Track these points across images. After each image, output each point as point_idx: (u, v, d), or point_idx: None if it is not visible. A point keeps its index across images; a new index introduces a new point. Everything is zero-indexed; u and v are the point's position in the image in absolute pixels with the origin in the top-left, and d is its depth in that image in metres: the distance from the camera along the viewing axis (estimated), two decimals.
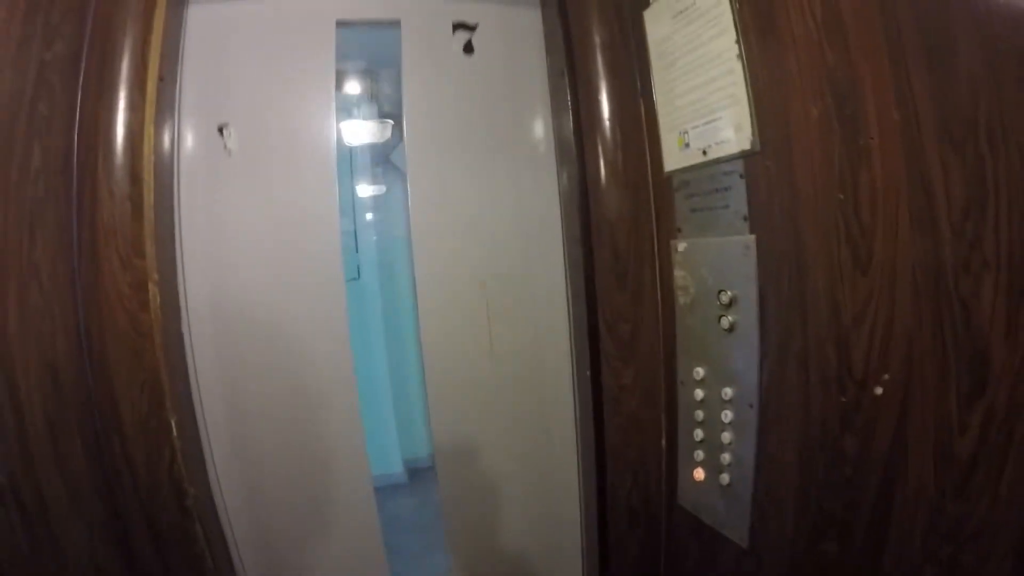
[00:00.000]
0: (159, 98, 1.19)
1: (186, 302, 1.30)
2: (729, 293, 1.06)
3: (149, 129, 1.15)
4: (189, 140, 1.31)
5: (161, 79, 1.19)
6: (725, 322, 1.07)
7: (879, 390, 0.85)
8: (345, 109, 1.33)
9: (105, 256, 1.12)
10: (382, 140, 1.37)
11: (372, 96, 1.43)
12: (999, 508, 0.73)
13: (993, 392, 0.72)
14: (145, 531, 1.19)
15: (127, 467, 1.16)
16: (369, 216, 1.78)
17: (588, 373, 1.39)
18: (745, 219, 1.03)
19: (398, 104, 1.43)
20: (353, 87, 1.32)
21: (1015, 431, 0.70)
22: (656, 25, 1.19)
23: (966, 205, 0.72)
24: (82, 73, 1.14)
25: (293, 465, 1.40)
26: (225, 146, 1.32)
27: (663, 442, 1.32)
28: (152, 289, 1.14)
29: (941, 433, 0.78)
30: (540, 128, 1.46)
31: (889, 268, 0.82)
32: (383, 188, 1.75)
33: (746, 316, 1.04)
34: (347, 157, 1.36)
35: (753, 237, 1.02)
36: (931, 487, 0.80)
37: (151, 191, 1.15)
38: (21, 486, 1.11)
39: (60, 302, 1.12)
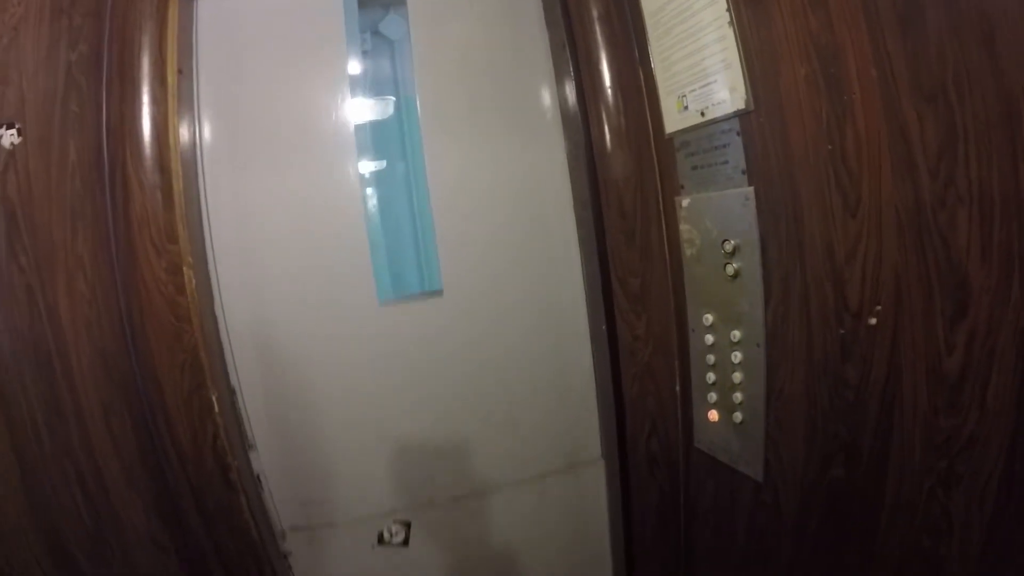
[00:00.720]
0: (179, 91, 1.31)
1: (218, 283, 1.43)
2: (732, 242, 1.21)
3: (173, 120, 1.28)
4: (209, 129, 1.42)
5: (179, 72, 1.32)
6: (730, 269, 1.22)
7: (873, 320, 0.99)
8: (351, 87, 1.45)
9: (140, 244, 1.25)
10: (384, 117, 1.49)
11: (373, 74, 1.54)
12: (987, 419, 0.85)
13: (974, 313, 0.84)
14: (193, 505, 1.34)
15: (172, 445, 1.31)
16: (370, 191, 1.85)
17: (603, 327, 1.55)
18: (743, 172, 1.17)
19: (395, 82, 1.55)
20: (356, 66, 1.43)
21: (996, 346, 0.82)
22: None
23: (939, 149, 0.85)
24: (105, 71, 1.27)
25: (328, 429, 1.54)
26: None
27: (677, 388, 1.48)
28: (187, 273, 1.28)
29: (931, 354, 0.91)
30: (546, 97, 1.60)
31: (875, 209, 0.95)
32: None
33: (749, 262, 1.19)
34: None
35: (752, 189, 1.16)
36: (925, 405, 0.93)
37: (179, 179, 1.29)
38: (83, 465, 1.25)
39: (104, 290, 1.27)
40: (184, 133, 1.35)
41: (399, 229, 1.48)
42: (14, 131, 1.19)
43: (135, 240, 1.25)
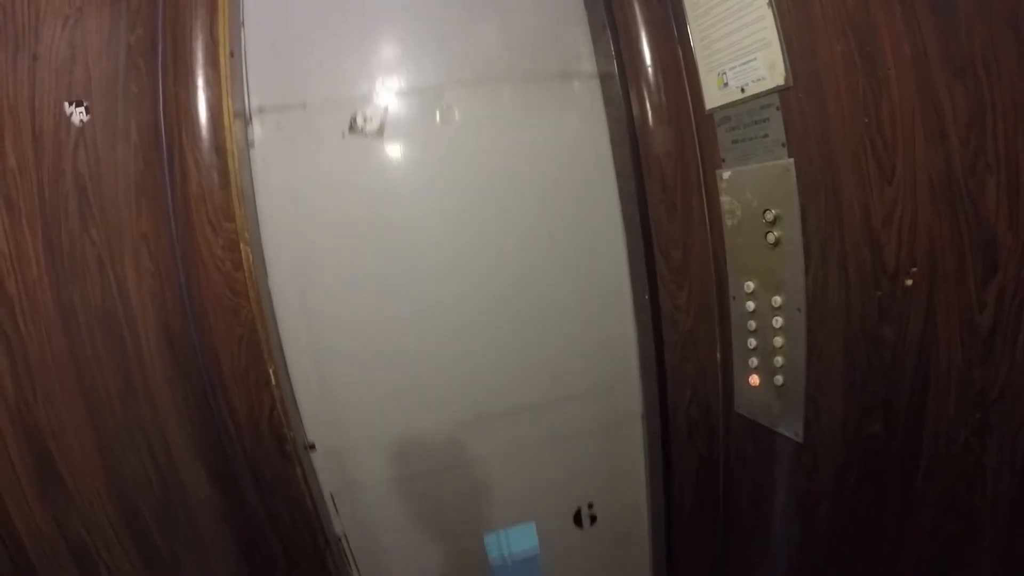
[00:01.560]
0: (231, 73, 1.44)
1: (272, 261, 1.56)
2: (773, 211, 1.36)
3: (227, 102, 1.42)
4: (259, 109, 1.54)
5: (232, 54, 1.46)
6: (771, 238, 1.37)
7: (909, 281, 1.13)
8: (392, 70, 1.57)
9: (197, 222, 1.39)
10: (420, 97, 1.61)
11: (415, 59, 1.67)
12: (1017, 370, 0.99)
13: (1003, 272, 0.98)
14: (250, 476, 1.49)
15: (231, 417, 1.45)
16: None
17: (646, 297, 1.69)
18: (783, 145, 1.32)
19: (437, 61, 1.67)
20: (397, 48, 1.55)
21: None
22: None
23: (969, 120, 0.98)
24: (160, 54, 1.40)
25: (378, 400, 1.68)
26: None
27: (718, 355, 1.64)
28: (244, 249, 1.42)
29: (964, 311, 1.05)
30: (587, 75, 1.73)
31: (910, 176, 1.09)
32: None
33: (790, 230, 1.34)
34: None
35: (792, 160, 1.31)
36: (959, 359, 1.07)
37: (234, 159, 1.42)
38: (152, 437, 1.39)
39: (166, 266, 1.41)
40: (237, 114, 1.47)
41: (445, 206, 1.60)
42: (83, 109, 1.32)
43: (193, 218, 1.39)
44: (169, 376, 1.42)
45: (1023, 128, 0.92)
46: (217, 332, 1.41)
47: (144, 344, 1.38)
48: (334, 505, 1.69)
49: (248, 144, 1.54)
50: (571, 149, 1.73)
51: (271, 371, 1.46)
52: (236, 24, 1.51)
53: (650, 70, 1.57)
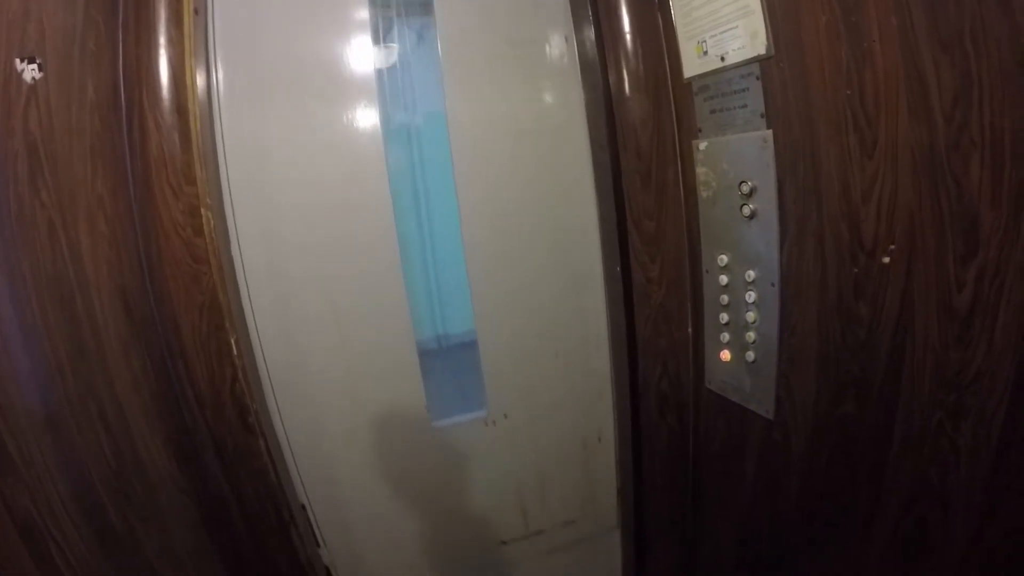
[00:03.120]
0: (195, 31, 1.36)
1: (236, 227, 1.49)
2: (750, 183, 1.32)
3: (189, 62, 1.35)
4: (224, 70, 1.47)
5: (196, 12, 1.37)
6: (746, 210, 1.33)
7: (887, 259, 1.09)
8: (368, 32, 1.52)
9: (157, 186, 1.33)
10: (387, 65, 1.55)
11: (385, 19, 1.60)
12: (994, 353, 0.96)
13: (984, 252, 0.95)
14: (212, 448, 1.43)
15: (191, 388, 1.40)
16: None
17: (618, 269, 1.65)
18: (762, 116, 1.28)
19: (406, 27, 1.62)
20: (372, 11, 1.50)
21: (1004, 284, 0.93)
22: None
23: (955, 95, 0.94)
24: (121, 10, 1.32)
25: (343, 373, 1.64)
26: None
27: (690, 329, 1.60)
28: (205, 214, 1.35)
29: (942, 291, 1.02)
30: (564, 41, 1.68)
31: (891, 151, 1.05)
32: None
33: (766, 203, 1.30)
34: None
35: (770, 132, 1.26)
36: (935, 340, 1.04)
37: (197, 121, 1.35)
38: (106, 405, 1.32)
39: (123, 230, 1.34)
40: (200, 74, 1.39)
41: (415, 169, 1.56)
42: (35, 65, 1.22)
43: (152, 181, 1.32)
44: (126, 344, 1.34)
45: (1010, 104, 0.88)
46: (177, 300, 1.36)
47: (98, 311, 1.30)
48: (299, 476, 1.64)
49: (213, 105, 1.46)
50: (544, 115, 1.69)
51: (233, 340, 1.40)
52: None
53: (628, 36, 1.52)
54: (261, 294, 1.54)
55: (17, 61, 1.21)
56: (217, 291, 1.38)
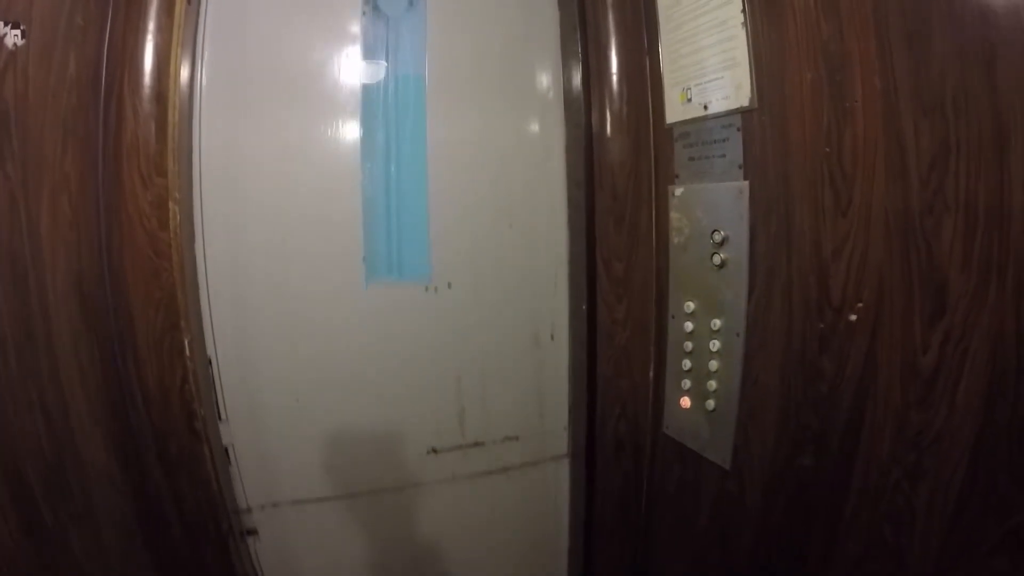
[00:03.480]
0: (185, 21, 1.35)
1: (202, 225, 1.46)
2: (722, 232, 1.32)
3: (176, 51, 1.32)
4: (209, 66, 1.45)
5: (188, 2, 1.36)
6: (717, 259, 1.33)
7: (853, 316, 1.09)
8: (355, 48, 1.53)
9: (127, 173, 1.29)
10: (377, 78, 1.54)
11: (375, 38, 1.60)
12: (956, 416, 0.96)
13: (951, 315, 0.95)
14: (154, 449, 1.38)
15: (139, 384, 1.34)
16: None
17: (584, 307, 1.65)
18: (740, 167, 1.29)
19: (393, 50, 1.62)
20: (362, 28, 1.50)
21: (969, 348, 0.93)
22: None
23: (932, 159, 0.96)
24: None
25: (296, 385, 1.59)
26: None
27: (651, 373, 1.59)
28: (172, 208, 1.32)
29: (907, 352, 1.02)
30: (551, 76, 1.70)
31: (865, 210, 1.06)
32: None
33: (736, 253, 1.30)
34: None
35: (747, 183, 1.27)
36: (898, 400, 1.04)
37: (175, 111, 1.32)
38: (48, 393, 1.26)
39: (87, 214, 1.29)
40: (185, 66, 1.37)
41: (388, 190, 1.55)
42: (18, 32, 1.19)
43: (123, 168, 1.29)
44: (76, 332, 1.29)
45: (985, 171, 0.90)
46: (135, 293, 1.31)
47: (51, 294, 1.25)
48: (242, 483, 1.58)
49: (193, 99, 1.43)
50: (524, 149, 1.69)
51: (187, 341, 1.35)
52: None
53: (615, 78, 1.53)
54: (220, 297, 1.49)
55: (0, 24, 1.18)
56: (176, 288, 1.33)
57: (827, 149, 1.12)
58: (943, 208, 0.95)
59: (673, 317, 1.50)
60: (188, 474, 1.41)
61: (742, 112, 1.28)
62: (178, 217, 1.33)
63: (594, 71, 1.57)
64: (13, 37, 1.19)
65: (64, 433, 1.29)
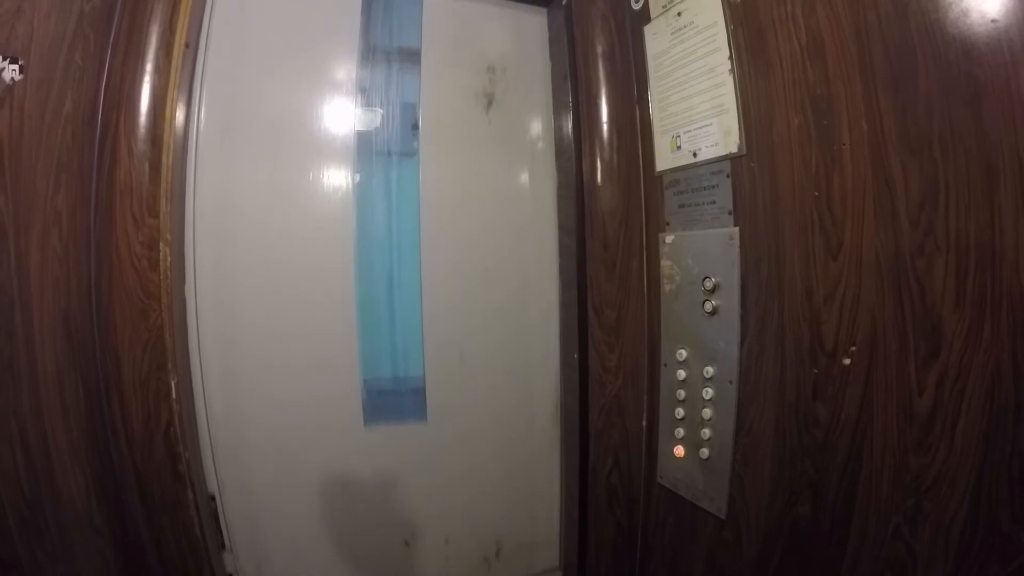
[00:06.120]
0: (183, 64, 1.34)
1: (193, 267, 1.43)
2: (713, 280, 1.29)
3: (172, 93, 1.31)
4: (205, 109, 1.44)
5: (187, 45, 1.35)
6: (708, 306, 1.29)
7: (847, 361, 1.06)
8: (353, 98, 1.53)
9: (119, 212, 1.26)
10: (371, 128, 1.54)
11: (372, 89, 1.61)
12: (954, 457, 0.91)
13: (946, 355, 0.92)
14: (136, 492, 1.31)
15: (123, 426, 1.28)
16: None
17: (576, 356, 1.60)
18: (730, 213, 1.26)
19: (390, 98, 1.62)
20: (363, 78, 1.51)
21: (966, 388, 0.89)
22: (656, 40, 1.43)
23: (922, 200, 0.93)
24: (114, 30, 1.29)
25: (284, 433, 1.54)
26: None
27: (644, 422, 1.53)
28: (163, 249, 1.28)
29: (903, 394, 0.97)
30: (542, 126, 1.69)
31: (856, 253, 1.03)
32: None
33: (728, 300, 1.26)
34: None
35: (737, 229, 1.24)
36: (895, 443, 0.99)
37: (170, 153, 1.30)
38: (28, 428, 1.21)
39: (76, 252, 1.26)
40: (181, 108, 1.36)
41: (380, 239, 1.54)
42: (17, 67, 1.18)
43: (115, 207, 1.25)
44: (60, 369, 1.24)
45: (975, 209, 0.87)
46: (122, 333, 1.26)
47: (36, 329, 1.21)
48: (227, 534, 1.51)
49: (188, 142, 1.42)
50: (514, 198, 1.68)
51: (174, 383, 1.30)
52: (198, 16, 1.42)
53: (605, 127, 1.52)
54: (208, 340, 1.45)
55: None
56: (164, 330, 1.28)
57: (816, 193, 1.10)
58: (934, 248, 0.93)
59: (665, 365, 1.46)
60: (170, 518, 1.34)
61: (731, 158, 1.26)
62: (168, 258, 1.29)
63: (585, 120, 1.56)
64: (11, 72, 1.17)
65: (44, 470, 1.23)
